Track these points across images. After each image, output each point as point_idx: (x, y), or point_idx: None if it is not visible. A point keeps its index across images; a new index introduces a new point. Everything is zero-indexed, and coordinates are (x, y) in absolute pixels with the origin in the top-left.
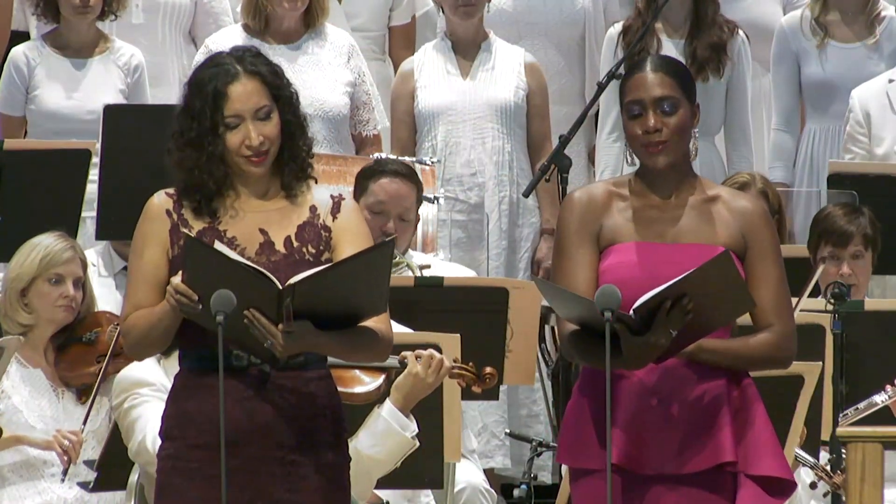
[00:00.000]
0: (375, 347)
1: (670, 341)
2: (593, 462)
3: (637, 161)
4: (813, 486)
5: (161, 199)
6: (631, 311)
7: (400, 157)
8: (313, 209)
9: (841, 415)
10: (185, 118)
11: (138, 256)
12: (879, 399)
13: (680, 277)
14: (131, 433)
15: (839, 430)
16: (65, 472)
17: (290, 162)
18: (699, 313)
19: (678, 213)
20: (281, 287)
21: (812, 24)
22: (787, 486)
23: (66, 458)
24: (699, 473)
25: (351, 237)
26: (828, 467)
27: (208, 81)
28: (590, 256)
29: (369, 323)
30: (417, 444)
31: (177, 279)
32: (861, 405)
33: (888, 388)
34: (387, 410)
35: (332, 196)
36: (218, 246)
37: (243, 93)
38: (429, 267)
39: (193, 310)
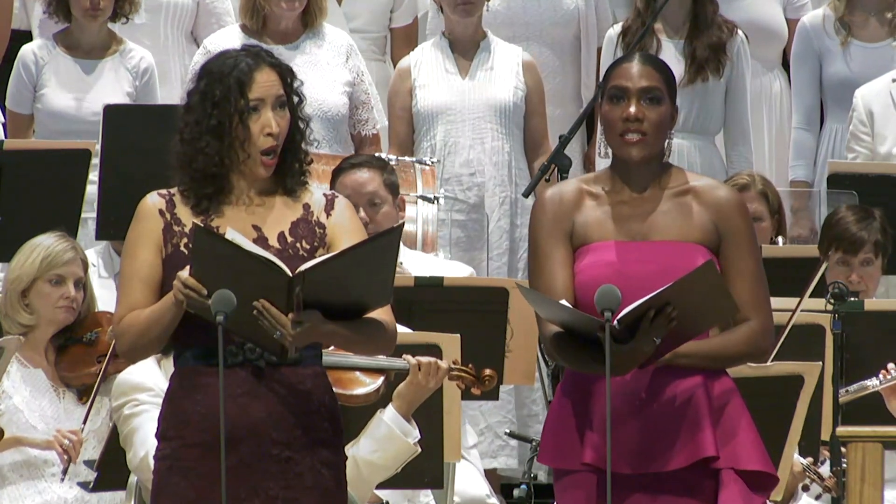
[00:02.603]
0: (382, 338)
1: (654, 348)
2: (573, 462)
3: (611, 154)
4: (805, 488)
5: (154, 200)
6: (615, 321)
7: (399, 157)
8: (307, 207)
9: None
10: (204, 107)
11: (132, 257)
12: (871, 383)
13: (664, 288)
14: (129, 444)
15: (839, 430)
16: (64, 472)
17: (293, 165)
18: (682, 320)
19: (650, 209)
20: (291, 275)
21: (836, 24)
22: (770, 481)
23: (66, 457)
24: (679, 472)
25: (347, 233)
26: (819, 469)
27: (230, 70)
28: (564, 255)
29: (374, 314)
30: (419, 450)
31: (184, 273)
32: (852, 387)
33: (881, 373)
34: (389, 415)
35: (325, 194)
36: (230, 233)
37: (267, 80)
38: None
39: (202, 304)
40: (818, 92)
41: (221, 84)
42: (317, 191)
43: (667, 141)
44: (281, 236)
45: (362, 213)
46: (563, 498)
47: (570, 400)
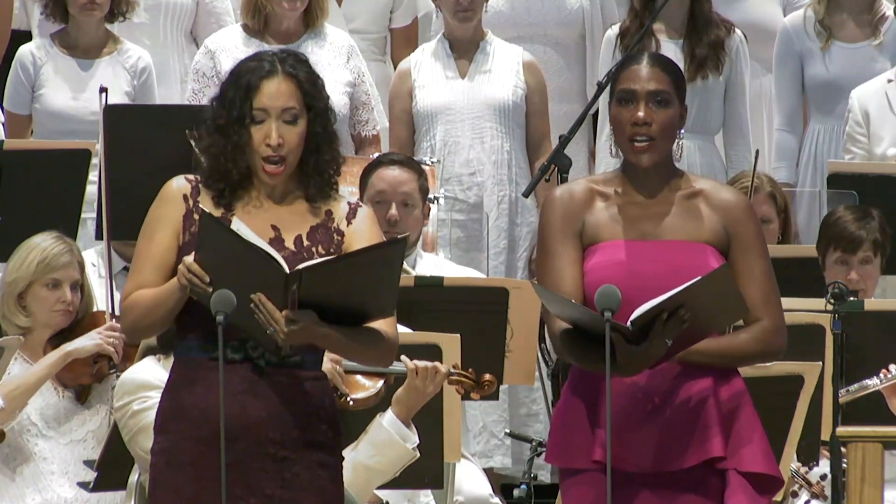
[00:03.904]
0: (380, 349)
1: (665, 349)
2: (580, 461)
3: (621, 154)
4: (794, 494)
5: (180, 184)
6: (629, 323)
7: None
8: (329, 213)
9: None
10: (219, 106)
11: (149, 237)
12: (871, 383)
13: (678, 290)
14: (146, 436)
15: (839, 430)
16: (118, 369)
17: (315, 175)
18: (695, 322)
19: (660, 211)
20: (288, 272)
21: (816, 26)
22: (774, 483)
23: (117, 355)
24: (686, 471)
25: (363, 240)
26: (807, 475)
27: (245, 73)
28: (574, 254)
29: (376, 325)
30: (418, 455)
31: (190, 258)
32: (853, 387)
33: (882, 373)
34: (388, 420)
35: (349, 203)
36: (235, 223)
37: (275, 91)
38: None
39: (204, 291)
40: (800, 93)
41: (234, 86)
42: (343, 199)
43: (676, 141)
44: (298, 239)
45: (393, 211)
46: (569, 496)
47: (578, 399)
